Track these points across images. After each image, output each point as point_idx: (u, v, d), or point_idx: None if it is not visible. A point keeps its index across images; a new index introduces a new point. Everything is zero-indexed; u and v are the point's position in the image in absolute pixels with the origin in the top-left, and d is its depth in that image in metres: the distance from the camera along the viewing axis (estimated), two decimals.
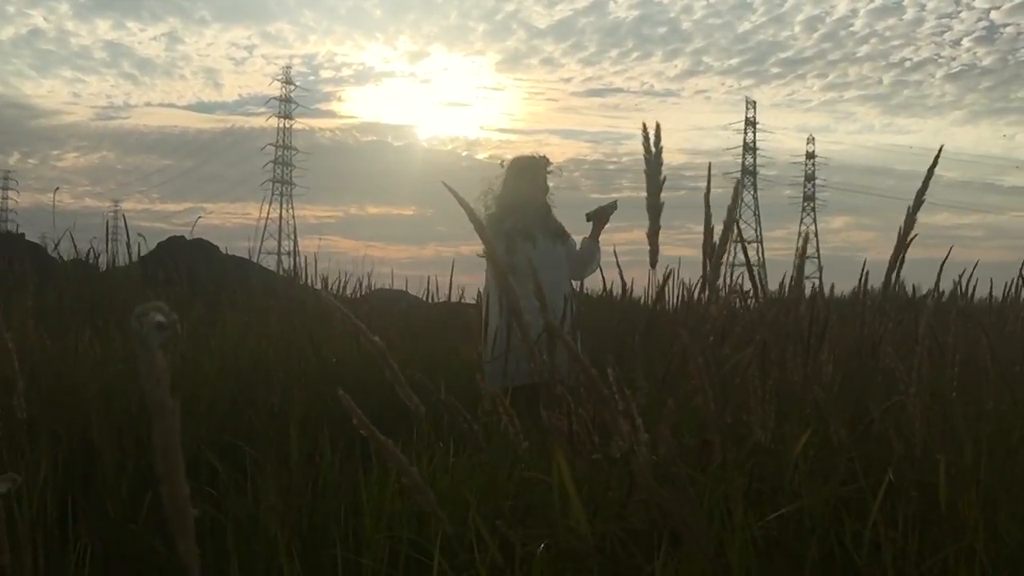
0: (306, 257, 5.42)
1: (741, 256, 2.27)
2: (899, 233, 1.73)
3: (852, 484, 1.74)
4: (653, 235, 1.70)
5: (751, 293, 2.24)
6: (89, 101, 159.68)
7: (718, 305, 1.76)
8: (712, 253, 1.75)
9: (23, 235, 9.51)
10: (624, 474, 1.50)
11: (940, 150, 1.78)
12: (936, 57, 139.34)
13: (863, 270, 2.37)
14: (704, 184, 1.80)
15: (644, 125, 1.70)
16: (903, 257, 1.84)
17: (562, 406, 1.58)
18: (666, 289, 3.79)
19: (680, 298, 4.16)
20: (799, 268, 1.81)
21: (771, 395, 1.69)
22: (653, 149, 1.70)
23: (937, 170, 1.82)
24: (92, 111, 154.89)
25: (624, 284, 4.04)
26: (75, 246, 6.10)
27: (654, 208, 1.68)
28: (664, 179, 1.69)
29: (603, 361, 1.50)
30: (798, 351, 1.82)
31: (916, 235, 1.96)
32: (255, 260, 9.05)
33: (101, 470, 2.46)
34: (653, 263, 1.74)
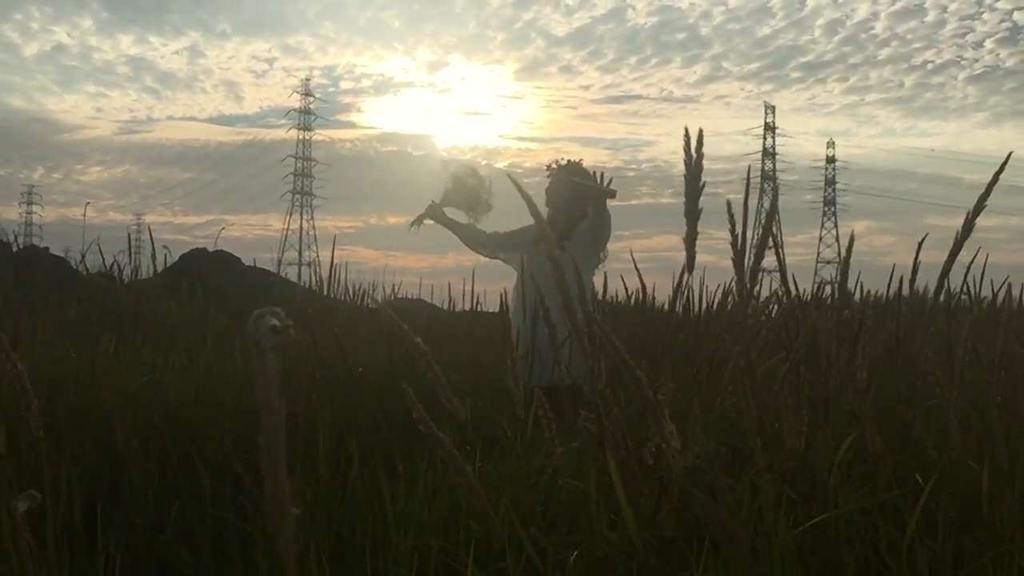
0: (336, 267, 5.41)
1: (764, 261, 2.25)
2: (955, 238, 1.69)
3: (887, 492, 1.71)
4: (690, 241, 1.67)
5: (784, 298, 2.22)
6: (112, 115, 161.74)
7: (756, 312, 1.73)
8: (742, 259, 1.73)
9: (47, 249, 9.64)
10: (657, 479, 1.48)
11: (1009, 156, 1.73)
12: (958, 59, 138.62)
13: (901, 277, 2.36)
14: (725, 190, 1.80)
15: (687, 130, 1.65)
16: (948, 264, 1.81)
17: (593, 409, 1.56)
18: (690, 295, 3.76)
19: (707, 304, 4.12)
20: (843, 272, 1.79)
21: (805, 400, 1.67)
22: (694, 155, 1.66)
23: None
24: (115, 125, 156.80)
25: (644, 288, 3.99)
26: (103, 258, 6.14)
27: (692, 214, 1.65)
28: (703, 185, 1.65)
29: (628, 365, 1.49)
30: (833, 356, 1.79)
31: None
32: (277, 271, 9.09)
33: (127, 480, 2.46)
34: (690, 269, 1.72)
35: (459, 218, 4.45)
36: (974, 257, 2.79)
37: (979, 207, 1.65)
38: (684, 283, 2.66)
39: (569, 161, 4.27)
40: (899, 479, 1.74)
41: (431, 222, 4.41)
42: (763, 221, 1.67)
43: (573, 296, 1.61)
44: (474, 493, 1.16)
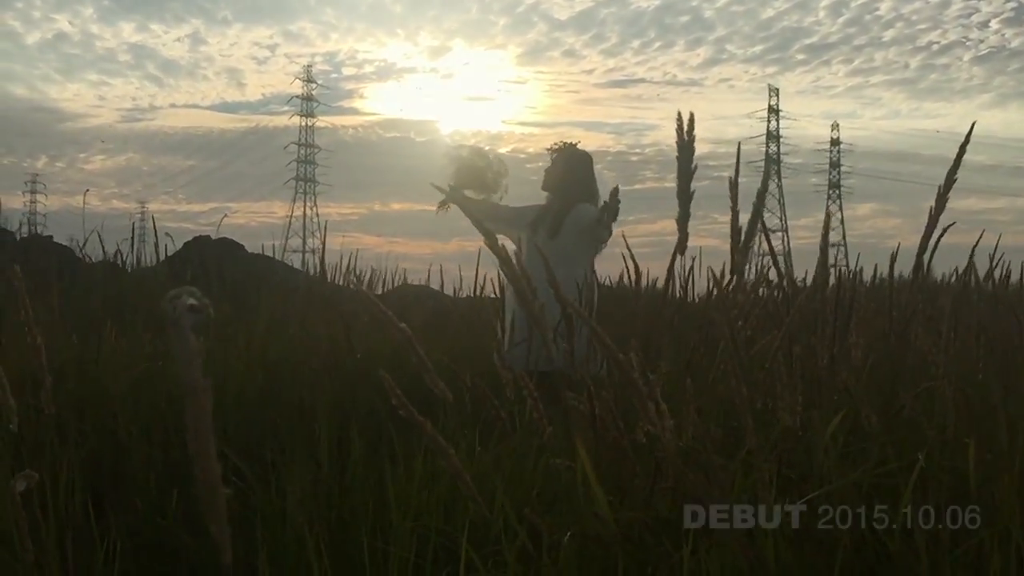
0: (342, 256, 5.46)
1: (765, 245, 2.25)
2: (930, 214, 1.69)
3: (883, 468, 1.72)
4: (683, 222, 1.67)
5: (776, 281, 2.21)
6: (114, 104, 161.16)
7: (745, 292, 1.73)
8: (738, 240, 1.73)
9: (51, 237, 9.64)
10: (650, 460, 1.49)
11: (972, 127, 1.74)
12: (964, 40, 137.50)
13: (895, 253, 2.36)
14: (729, 173, 1.78)
15: (679, 113, 1.67)
16: (936, 242, 1.80)
17: (584, 391, 1.57)
18: (689, 277, 3.76)
19: (706, 286, 4.12)
20: (823, 249, 1.78)
21: (798, 379, 1.67)
22: (686, 137, 1.67)
23: (965, 154, 1.77)
24: (117, 114, 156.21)
25: (639, 272, 3.97)
26: (103, 247, 6.15)
27: (684, 195, 1.65)
28: (695, 167, 1.66)
29: (625, 348, 1.50)
30: (825, 334, 1.79)
31: (953, 223, 1.91)
32: (280, 258, 9.11)
33: (130, 465, 2.48)
34: (681, 250, 1.72)
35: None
36: (980, 238, 2.79)
37: (949, 182, 1.65)
38: (683, 266, 2.66)
39: (565, 143, 4.27)
40: (896, 458, 1.74)
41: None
42: (757, 202, 1.67)
43: (543, 281, 1.64)
44: (459, 477, 1.17)
